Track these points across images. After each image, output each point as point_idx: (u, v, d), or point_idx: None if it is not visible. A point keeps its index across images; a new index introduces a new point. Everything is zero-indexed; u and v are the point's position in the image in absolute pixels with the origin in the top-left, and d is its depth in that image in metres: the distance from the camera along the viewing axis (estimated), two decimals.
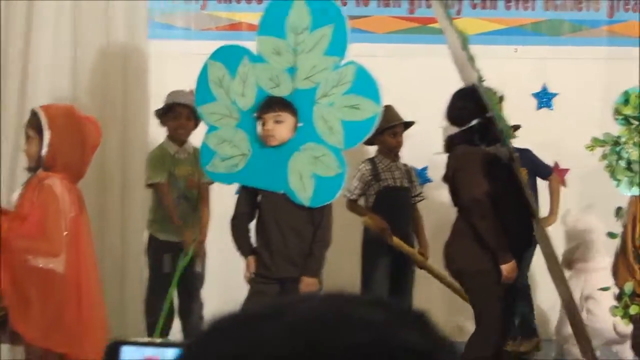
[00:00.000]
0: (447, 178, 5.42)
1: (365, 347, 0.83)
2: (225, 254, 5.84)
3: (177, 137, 5.88)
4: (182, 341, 1.36)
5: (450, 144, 5.41)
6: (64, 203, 4.43)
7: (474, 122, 5.29)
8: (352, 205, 6.13)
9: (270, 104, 5.07)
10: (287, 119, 5.05)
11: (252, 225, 5.26)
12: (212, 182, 5.77)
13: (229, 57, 5.25)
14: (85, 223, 4.61)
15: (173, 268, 5.85)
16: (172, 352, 1.44)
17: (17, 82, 6.38)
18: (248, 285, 5.20)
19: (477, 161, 5.25)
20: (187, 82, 5.70)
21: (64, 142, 4.49)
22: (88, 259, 4.57)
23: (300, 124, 5.09)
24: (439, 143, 5.49)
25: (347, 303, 0.90)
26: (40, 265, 4.35)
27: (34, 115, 4.56)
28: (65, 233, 4.41)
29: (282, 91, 5.11)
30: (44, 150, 4.46)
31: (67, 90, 6.38)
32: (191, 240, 5.80)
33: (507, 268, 5.14)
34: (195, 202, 5.96)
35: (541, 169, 6.44)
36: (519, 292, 5.67)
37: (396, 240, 6.00)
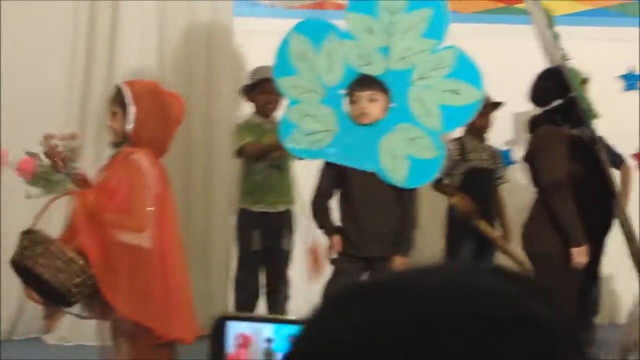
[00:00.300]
0: (527, 158, 5.40)
1: (492, 316, 0.82)
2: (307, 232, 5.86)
3: (266, 111, 5.87)
4: (293, 317, 1.34)
5: (533, 124, 5.38)
6: (150, 178, 4.42)
7: (557, 102, 5.25)
8: (439, 184, 6.08)
9: (365, 82, 5.04)
10: (380, 98, 5.03)
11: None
12: None
13: (313, 31, 5.20)
14: (170, 199, 4.60)
15: (261, 246, 5.87)
16: (273, 328, 1.44)
17: (104, 61, 6.47)
18: (330, 264, 5.19)
19: (558, 142, 5.21)
20: (271, 60, 5.71)
21: (148, 118, 4.48)
22: (173, 236, 4.56)
23: (392, 104, 5.08)
24: (523, 124, 5.46)
25: (470, 273, 0.89)
26: (126, 240, 4.37)
27: (119, 91, 4.54)
28: (151, 209, 4.41)
29: (374, 70, 5.09)
30: (130, 126, 4.46)
31: (153, 68, 6.45)
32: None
33: (577, 252, 5.10)
34: (282, 170, 5.95)
35: (614, 158, 6.34)
36: (595, 279, 5.57)
37: (482, 223, 5.98)
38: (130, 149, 4.45)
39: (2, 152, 4.47)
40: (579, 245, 5.10)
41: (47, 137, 4.39)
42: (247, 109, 6.14)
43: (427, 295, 0.84)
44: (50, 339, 6.40)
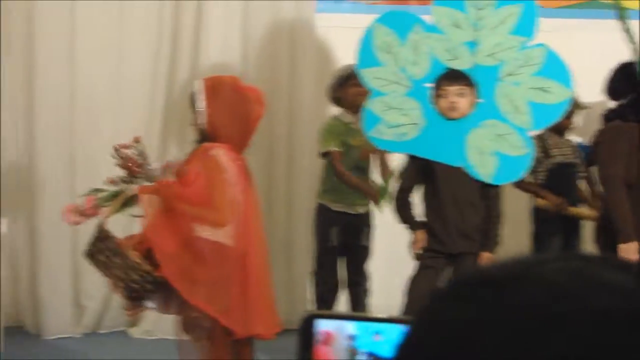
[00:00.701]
0: (592, 152, 5.38)
1: (613, 312, 0.80)
2: (387, 226, 5.84)
3: (357, 103, 5.83)
4: (385, 316, 1.32)
5: (606, 118, 5.33)
6: (230, 173, 4.42)
7: (630, 96, 5.18)
8: (521, 182, 6.01)
9: (454, 77, 5.02)
10: (469, 93, 5.01)
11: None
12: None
13: (398, 22, 5.16)
14: (252, 195, 4.60)
15: (340, 241, 5.87)
16: (356, 326, 1.42)
17: (188, 58, 6.51)
18: (413, 259, 5.17)
19: (619, 136, 5.15)
20: (353, 56, 5.70)
21: (225, 113, 4.48)
22: (256, 233, 4.56)
23: (480, 100, 5.04)
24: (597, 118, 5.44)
25: (591, 265, 0.87)
26: (207, 237, 4.38)
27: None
28: (232, 204, 4.41)
29: (461, 64, 5.05)
30: (203, 122, 4.49)
31: (236, 65, 6.48)
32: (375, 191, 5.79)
33: (624, 248, 5.01)
34: (367, 172, 5.94)
35: None
36: None
37: (573, 209, 5.92)
38: (209, 144, 4.46)
39: (66, 207, 4.52)
40: (627, 241, 5.02)
41: (116, 150, 4.43)
42: (326, 105, 6.12)
43: (545, 287, 0.82)
44: (135, 332, 6.47)
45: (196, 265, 4.34)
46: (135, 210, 4.41)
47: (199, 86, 4.54)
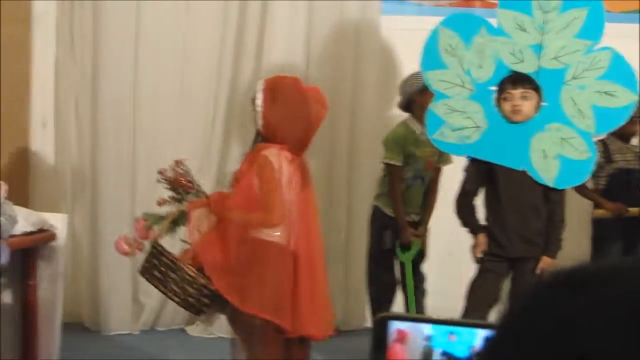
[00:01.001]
0: None
1: None
2: (445, 228, 5.82)
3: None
4: (456, 318, 1.32)
5: None
6: (282, 173, 4.40)
7: None
8: (582, 187, 5.96)
9: (518, 80, 5.00)
10: (533, 96, 4.99)
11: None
12: (448, 163, 5.76)
13: (463, 25, 5.16)
14: (309, 196, 4.59)
15: (393, 245, 5.85)
16: (432, 327, 1.41)
17: (252, 58, 6.53)
18: (474, 263, 5.15)
19: None
20: (418, 58, 5.69)
21: (284, 114, 4.45)
22: (312, 233, 4.55)
23: (544, 104, 5.00)
24: None
25: None
26: (259, 236, 4.38)
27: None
28: (283, 204, 4.38)
29: (526, 68, 5.03)
30: (259, 124, 4.46)
31: (300, 65, 6.49)
32: (414, 236, 5.80)
33: None
34: (427, 184, 5.92)
35: None
36: None
37: (633, 210, 5.86)
38: (263, 145, 4.45)
39: (136, 223, 4.55)
40: None
41: (163, 172, 4.46)
42: (396, 110, 6.08)
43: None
44: (193, 330, 6.49)
45: (247, 269, 4.35)
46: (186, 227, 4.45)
47: (259, 87, 4.52)
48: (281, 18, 6.48)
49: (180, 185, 4.42)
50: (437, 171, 5.90)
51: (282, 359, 4.46)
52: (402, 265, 5.93)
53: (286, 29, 6.50)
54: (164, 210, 4.44)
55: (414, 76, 5.76)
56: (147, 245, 4.46)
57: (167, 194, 4.48)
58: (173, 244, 4.67)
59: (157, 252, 4.37)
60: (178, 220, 4.40)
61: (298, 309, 4.40)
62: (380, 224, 5.94)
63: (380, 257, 5.96)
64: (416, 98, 5.79)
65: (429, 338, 1.38)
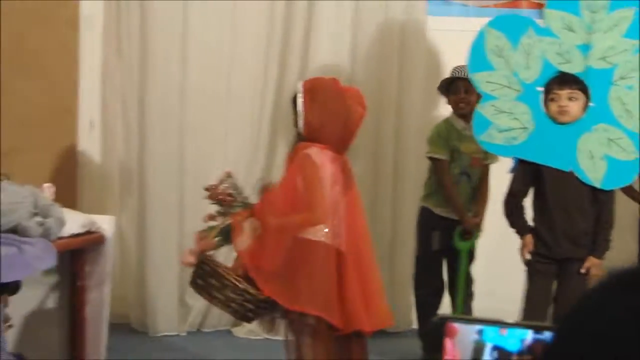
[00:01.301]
0: None
1: None
2: (493, 229, 5.80)
3: (458, 111, 5.83)
4: (511, 321, 1.31)
5: None
6: (325, 171, 4.44)
7: None
8: (628, 188, 5.91)
9: (566, 80, 4.98)
10: (580, 97, 4.97)
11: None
12: (495, 161, 5.74)
13: (510, 26, 5.15)
14: (353, 195, 4.60)
15: (441, 245, 5.83)
16: (495, 332, 1.40)
17: (298, 59, 6.54)
18: (523, 265, 5.13)
19: None
20: (463, 60, 5.67)
21: (324, 115, 4.48)
22: (357, 231, 4.57)
23: (591, 104, 4.98)
24: None
25: None
26: (305, 236, 4.41)
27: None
28: (327, 202, 4.42)
29: (573, 68, 5.01)
30: (300, 123, 4.50)
31: (346, 65, 6.50)
32: (473, 224, 5.77)
33: None
34: (476, 181, 5.90)
35: None
36: None
37: None
38: (304, 144, 4.49)
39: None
40: None
41: (210, 189, 4.51)
42: (443, 109, 6.08)
43: None
44: (239, 332, 6.51)
45: (293, 269, 4.39)
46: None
47: (299, 88, 4.57)
48: (327, 18, 6.49)
49: (224, 201, 4.48)
50: (485, 168, 5.88)
51: (339, 357, 4.48)
52: (450, 267, 5.90)
53: (332, 29, 6.51)
54: (212, 224, 4.50)
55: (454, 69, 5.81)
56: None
57: (214, 207, 4.55)
58: (227, 256, 4.73)
59: (200, 262, 4.44)
60: (225, 233, 4.45)
61: (347, 305, 4.42)
62: (428, 225, 5.91)
63: (428, 261, 5.93)
64: (445, 97, 5.86)
65: (480, 332, 1.38)
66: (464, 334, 1.39)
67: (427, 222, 5.91)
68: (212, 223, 4.49)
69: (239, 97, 6.61)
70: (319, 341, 4.44)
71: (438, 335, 1.39)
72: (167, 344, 6.31)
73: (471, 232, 5.77)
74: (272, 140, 6.60)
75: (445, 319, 1.40)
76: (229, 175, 4.55)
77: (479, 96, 5.35)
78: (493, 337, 1.40)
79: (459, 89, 5.76)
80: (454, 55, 5.92)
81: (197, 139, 6.56)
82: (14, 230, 4.74)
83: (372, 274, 4.61)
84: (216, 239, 4.46)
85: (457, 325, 1.41)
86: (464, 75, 5.63)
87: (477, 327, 1.42)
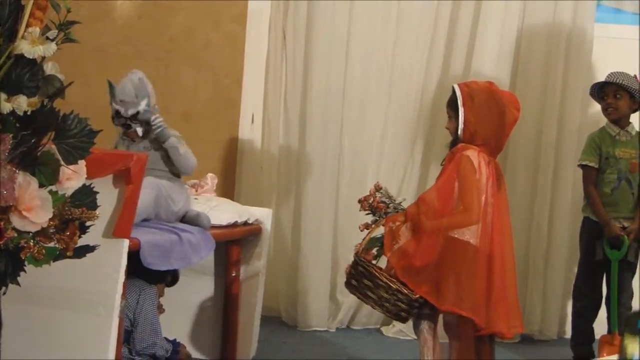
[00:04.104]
0: None
1: None
2: None
3: (607, 116, 5.73)
4: None
5: None
6: (481, 173, 4.49)
7: None
8: None
9: None
10: None
11: None
12: None
13: None
14: (502, 198, 4.62)
15: (604, 255, 5.70)
16: None
17: (462, 58, 6.52)
18: None
19: None
20: (628, 67, 5.57)
21: (481, 118, 4.53)
22: (506, 233, 4.59)
23: None
24: None
25: None
26: (454, 236, 4.45)
27: (453, 93, 4.63)
28: (481, 204, 4.46)
29: None
30: (460, 127, 4.54)
31: (506, 73, 6.44)
32: (616, 233, 5.64)
33: None
34: (636, 186, 5.76)
35: None
36: None
37: None
38: (462, 145, 4.55)
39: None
40: None
41: (361, 202, 4.59)
42: (604, 122, 5.97)
43: None
44: (388, 331, 6.52)
45: (443, 268, 4.44)
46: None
47: (456, 91, 4.61)
48: (494, 20, 6.43)
49: (378, 209, 4.57)
50: None
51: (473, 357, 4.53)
52: (607, 281, 5.78)
53: (498, 30, 6.45)
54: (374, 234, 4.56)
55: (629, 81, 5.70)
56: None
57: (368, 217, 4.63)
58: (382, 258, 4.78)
59: (354, 263, 4.52)
60: (382, 242, 4.52)
61: (490, 306, 4.46)
62: (590, 234, 5.81)
63: (589, 272, 5.82)
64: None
65: None
66: None
67: (589, 231, 5.80)
68: (366, 232, 4.55)
69: (399, 98, 6.61)
70: (462, 340, 4.50)
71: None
72: (317, 338, 6.37)
73: (619, 240, 5.64)
74: (427, 145, 6.59)
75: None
76: (379, 188, 4.63)
77: (633, 104, 5.27)
78: None
79: (607, 93, 5.67)
80: (623, 65, 5.80)
81: (355, 138, 6.60)
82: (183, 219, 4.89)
83: (512, 277, 4.63)
84: (375, 249, 4.54)
85: None
86: (615, 80, 5.54)
87: None
